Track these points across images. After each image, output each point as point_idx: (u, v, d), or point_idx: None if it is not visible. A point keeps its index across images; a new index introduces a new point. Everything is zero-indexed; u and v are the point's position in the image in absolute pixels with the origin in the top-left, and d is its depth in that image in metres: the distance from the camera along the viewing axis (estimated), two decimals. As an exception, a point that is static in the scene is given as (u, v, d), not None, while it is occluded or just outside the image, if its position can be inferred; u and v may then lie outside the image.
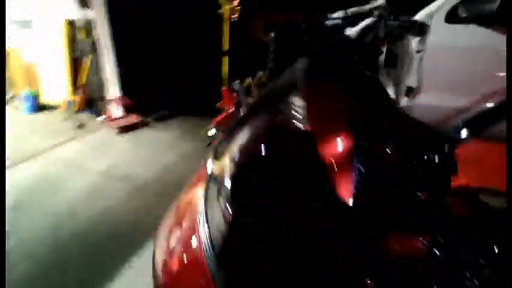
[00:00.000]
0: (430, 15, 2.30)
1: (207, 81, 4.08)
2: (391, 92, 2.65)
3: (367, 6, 3.17)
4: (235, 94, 2.29)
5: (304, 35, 2.94)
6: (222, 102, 2.27)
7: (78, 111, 4.35)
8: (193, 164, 3.15)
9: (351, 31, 2.65)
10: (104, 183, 2.90)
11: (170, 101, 4.55)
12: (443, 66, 2.32)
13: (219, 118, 1.99)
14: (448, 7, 2.25)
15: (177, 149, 3.52)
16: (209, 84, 4.17)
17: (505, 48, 2.12)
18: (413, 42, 2.37)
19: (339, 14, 3.17)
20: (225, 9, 3.30)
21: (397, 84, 2.58)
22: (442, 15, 2.27)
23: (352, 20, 2.99)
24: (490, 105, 2.25)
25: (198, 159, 3.16)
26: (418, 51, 2.37)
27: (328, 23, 3.09)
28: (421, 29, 2.32)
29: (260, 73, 4.25)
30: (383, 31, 2.51)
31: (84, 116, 4.33)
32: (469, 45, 2.24)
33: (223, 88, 2.19)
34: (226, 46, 3.52)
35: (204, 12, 3.95)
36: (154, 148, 3.58)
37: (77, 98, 4.30)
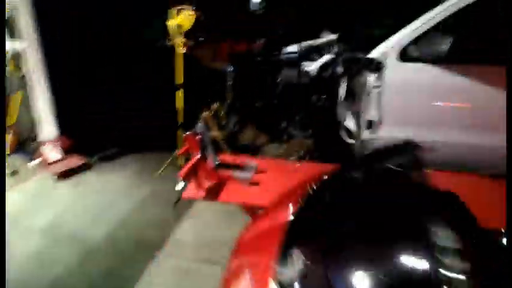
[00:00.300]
0: (385, 53, 2.43)
1: (160, 116, 3.83)
2: (353, 125, 2.74)
3: (320, 40, 3.31)
4: (198, 137, 2.14)
5: (261, 68, 2.93)
6: (185, 149, 2.09)
7: (9, 155, 3.73)
8: (153, 214, 2.85)
9: (311, 67, 2.70)
10: (49, 246, 2.47)
11: (118, 138, 4.17)
12: (400, 102, 2.46)
13: (185, 169, 1.80)
14: (400, 46, 2.41)
15: (131, 195, 3.15)
16: (162, 119, 3.92)
17: (456, 84, 2.35)
18: (371, 78, 2.48)
19: (293, 47, 3.24)
20: (176, 42, 3.14)
21: (357, 118, 2.68)
22: (396, 53, 2.42)
23: (307, 54, 3.08)
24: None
25: (158, 207, 2.89)
26: (376, 87, 2.48)
27: (284, 56, 3.13)
28: (377, 66, 2.46)
29: (215, 105, 4.14)
30: (341, 67, 2.61)
31: (17, 161, 3.73)
32: (421, 82, 2.41)
33: (186, 134, 2.01)
34: (180, 79, 3.34)
35: (154, 44, 3.74)
36: (104, 196, 3.16)
37: (7, 140, 3.70)
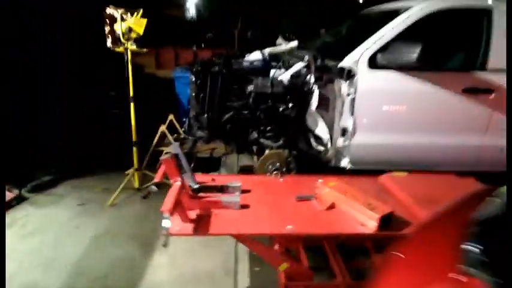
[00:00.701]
0: (356, 62, 2.45)
1: (106, 132, 3.38)
2: (325, 132, 2.72)
3: (282, 47, 3.23)
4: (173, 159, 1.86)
5: (227, 77, 2.72)
6: (161, 176, 1.80)
7: None
8: (115, 253, 2.44)
9: (284, 76, 2.60)
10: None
11: (56, 160, 3.56)
12: (371, 108, 2.51)
13: (169, 202, 1.53)
14: (369, 54, 2.46)
15: (82, 233, 2.66)
16: (110, 135, 3.45)
17: (424, 91, 2.48)
18: (343, 86, 2.48)
19: (257, 55, 3.11)
20: (126, 48, 2.77)
21: (330, 126, 2.66)
22: (366, 61, 2.46)
23: (269, 62, 2.97)
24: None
25: (118, 244, 2.47)
26: (348, 94, 2.50)
27: (248, 65, 2.98)
28: (349, 74, 2.47)
29: (171, 116, 3.79)
30: (313, 75, 2.57)
31: None
32: (391, 88, 2.49)
33: (163, 159, 1.74)
34: (131, 92, 2.97)
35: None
36: (49, 236, 2.61)
37: None
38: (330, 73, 2.49)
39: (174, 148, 1.92)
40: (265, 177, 2.41)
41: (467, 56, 2.58)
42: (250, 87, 2.69)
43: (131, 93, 2.94)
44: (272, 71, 2.76)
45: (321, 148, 2.87)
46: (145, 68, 5.28)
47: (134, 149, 3.08)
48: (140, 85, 3.23)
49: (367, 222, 1.74)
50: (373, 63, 2.46)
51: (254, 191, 2.07)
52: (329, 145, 2.73)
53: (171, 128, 3.72)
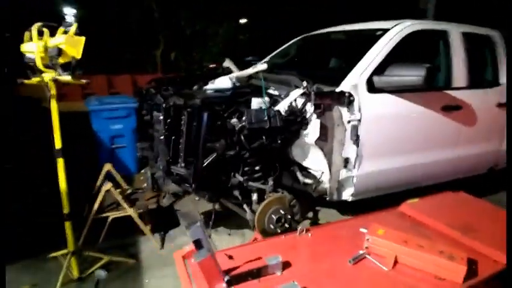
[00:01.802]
0: (355, 86, 2.24)
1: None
2: (322, 165, 2.40)
3: (249, 71, 2.81)
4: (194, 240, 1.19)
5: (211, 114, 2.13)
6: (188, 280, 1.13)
7: None
8: None
9: (281, 105, 2.17)
10: None
11: None
12: (376, 134, 2.33)
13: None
14: (365, 78, 2.28)
15: None
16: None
17: (417, 111, 2.44)
18: (343, 112, 2.23)
19: (224, 82, 2.60)
20: (46, 78, 1.86)
21: (330, 157, 2.36)
22: (364, 85, 2.27)
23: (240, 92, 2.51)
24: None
25: None
26: (349, 122, 2.26)
27: (217, 94, 2.44)
28: (348, 99, 2.23)
29: (107, 166, 2.82)
30: (313, 103, 2.23)
31: None
32: (390, 112, 2.37)
33: (203, 260, 1.09)
34: (58, 143, 2.02)
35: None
36: None
37: None
38: (330, 99, 2.20)
39: (194, 231, 1.24)
40: (290, 237, 1.91)
41: (440, 75, 2.70)
42: (235, 122, 2.16)
43: (58, 144, 1.99)
44: (255, 101, 2.29)
45: (309, 181, 2.55)
46: (42, 101, 3.98)
47: (67, 224, 2.09)
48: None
49: (451, 276, 1.47)
50: (370, 87, 2.29)
51: (294, 262, 1.57)
52: (325, 178, 2.43)
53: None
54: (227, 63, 3.59)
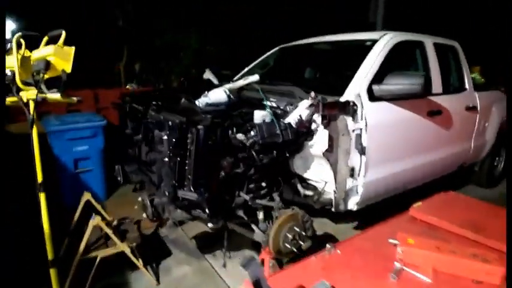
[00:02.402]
0: (358, 95, 2.25)
1: None
2: (329, 175, 2.36)
3: (241, 82, 2.68)
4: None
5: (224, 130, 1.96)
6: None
7: None
8: None
9: (291, 117, 2.08)
10: None
11: None
12: (380, 141, 2.36)
13: None
14: (366, 87, 2.31)
15: None
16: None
17: (412, 117, 2.56)
18: (349, 122, 2.22)
19: (219, 94, 2.44)
20: (32, 101, 1.55)
21: (335, 167, 2.33)
22: (366, 94, 2.30)
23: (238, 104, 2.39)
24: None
25: None
26: (353, 131, 2.26)
27: (213, 108, 2.28)
28: (353, 109, 2.24)
29: (87, 195, 2.43)
30: (321, 114, 2.18)
31: None
32: (391, 118, 2.43)
33: None
34: (40, 176, 1.68)
35: None
36: None
37: None
38: (337, 109, 2.18)
39: (253, 271, 1.08)
40: (321, 257, 1.80)
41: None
42: (242, 137, 2.01)
43: (39, 177, 1.64)
44: (258, 114, 2.17)
45: (310, 193, 2.50)
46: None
47: (52, 273, 1.73)
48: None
49: (489, 279, 1.50)
50: (371, 95, 2.32)
51: (337, 284, 1.47)
52: (330, 188, 2.40)
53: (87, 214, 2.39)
54: (207, 74, 3.42)
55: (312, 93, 2.10)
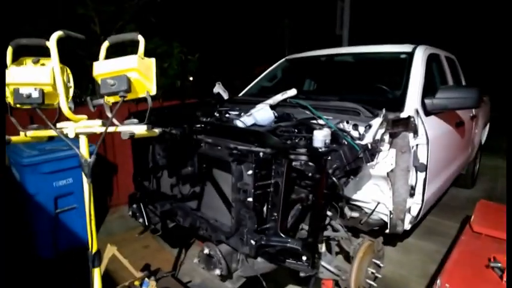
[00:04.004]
0: (416, 110, 2.15)
1: None
2: (384, 196, 2.21)
3: (278, 97, 2.41)
4: None
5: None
6: None
7: None
8: None
9: (367, 138, 1.86)
10: None
11: None
12: (436, 155, 2.29)
13: None
14: (420, 102, 2.23)
15: None
16: None
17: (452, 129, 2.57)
18: (410, 138, 2.10)
19: (265, 112, 2.12)
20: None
21: (393, 186, 2.19)
22: (421, 109, 2.21)
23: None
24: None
25: None
26: (413, 147, 2.14)
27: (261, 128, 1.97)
28: (414, 124, 2.13)
29: (112, 249, 1.87)
30: (390, 132, 2.02)
31: None
32: (441, 131, 2.38)
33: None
34: None
35: None
36: None
37: None
38: (402, 126, 2.04)
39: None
40: None
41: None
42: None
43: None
44: (320, 134, 1.91)
45: (356, 215, 2.33)
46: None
47: None
48: None
49: None
50: (425, 110, 2.24)
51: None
52: (384, 209, 2.25)
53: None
54: (217, 88, 3.05)
55: (383, 110, 1.92)
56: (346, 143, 1.76)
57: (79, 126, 1.06)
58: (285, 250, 1.48)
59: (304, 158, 1.46)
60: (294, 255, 1.46)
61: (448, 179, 2.86)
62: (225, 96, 3.04)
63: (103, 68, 1.03)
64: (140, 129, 1.02)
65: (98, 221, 3.22)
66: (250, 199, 1.44)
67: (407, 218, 2.33)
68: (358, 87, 2.68)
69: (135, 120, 1.07)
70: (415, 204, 2.27)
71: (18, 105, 1.11)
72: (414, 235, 3.08)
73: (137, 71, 1.00)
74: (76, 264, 2.64)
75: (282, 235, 1.48)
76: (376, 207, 2.25)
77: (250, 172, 1.42)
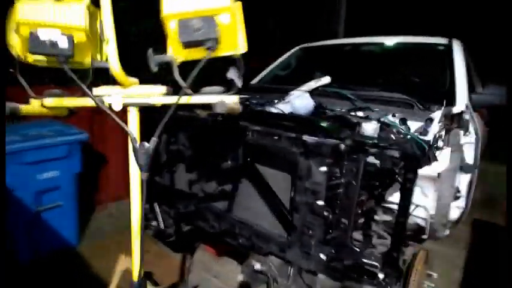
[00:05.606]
0: (467, 105, 1.96)
1: None
2: (425, 199, 2.01)
3: (312, 84, 2.13)
4: None
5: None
6: None
7: None
8: None
9: (431, 135, 1.63)
10: None
11: None
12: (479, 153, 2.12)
13: None
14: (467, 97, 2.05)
15: None
16: None
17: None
18: (462, 136, 1.91)
19: (304, 99, 1.84)
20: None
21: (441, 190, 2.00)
22: (470, 104, 2.03)
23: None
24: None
25: None
26: (464, 144, 1.96)
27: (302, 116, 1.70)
28: (466, 121, 1.95)
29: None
30: (445, 128, 1.81)
31: None
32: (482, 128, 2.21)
33: None
34: None
35: None
36: None
37: None
38: (456, 122, 1.84)
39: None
40: None
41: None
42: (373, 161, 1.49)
43: None
44: (369, 127, 1.67)
45: (388, 218, 2.13)
46: None
47: None
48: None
49: None
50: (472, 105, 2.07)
51: None
52: (424, 214, 2.06)
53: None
54: (231, 74, 2.72)
55: (441, 110, 1.70)
56: (409, 138, 1.52)
57: (130, 94, 0.72)
58: (357, 266, 1.21)
59: (391, 155, 1.19)
60: (368, 273, 1.20)
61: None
62: (239, 84, 2.72)
63: (182, 4, 0.68)
64: (232, 100, 0.71)
65: (83, 219, 2.82)
66: (320, 202, 1.15)
67: (450, 223, 2.16)
68: (390, 78, 2.47)
69: (219, 88, 0.75)
70: (456, 208, 2.10)
71: (31, 60, 0.75)
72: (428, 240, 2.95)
73: (231, 13, 0.68)
74: (58, 270, 2.25)
75: (355, 247, 1.21)
76: (413, 210, 2.05)
77: (323, 169, 1.13)
